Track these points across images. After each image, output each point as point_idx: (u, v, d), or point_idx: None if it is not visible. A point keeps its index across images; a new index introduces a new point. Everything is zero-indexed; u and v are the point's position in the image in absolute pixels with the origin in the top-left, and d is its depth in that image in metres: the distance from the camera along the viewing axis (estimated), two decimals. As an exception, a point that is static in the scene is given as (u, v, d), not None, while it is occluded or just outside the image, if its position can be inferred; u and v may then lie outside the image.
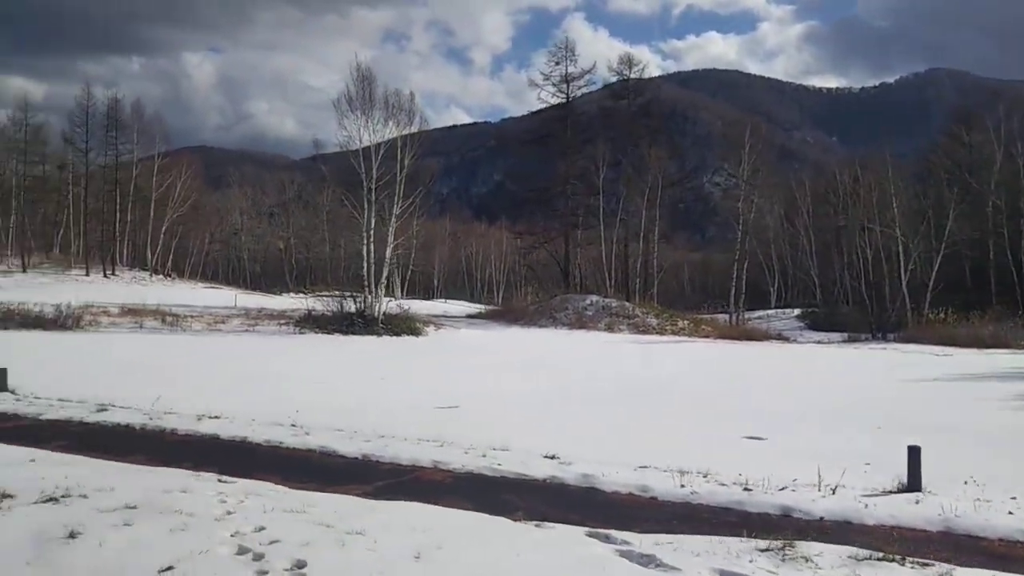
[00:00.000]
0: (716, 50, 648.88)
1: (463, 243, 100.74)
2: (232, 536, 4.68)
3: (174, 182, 68.52)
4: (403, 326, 37.25)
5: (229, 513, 5.24)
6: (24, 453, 7.70)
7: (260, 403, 12.82)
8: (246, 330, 36.67)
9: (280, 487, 6.77)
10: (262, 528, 4.86)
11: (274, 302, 52.54)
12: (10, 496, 5.22)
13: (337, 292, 43.20)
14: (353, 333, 35.50)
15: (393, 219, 38.18)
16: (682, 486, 7.51)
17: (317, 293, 50.45)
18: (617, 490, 7.49)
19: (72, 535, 4.46)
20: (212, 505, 5.50)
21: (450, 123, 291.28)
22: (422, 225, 55.88)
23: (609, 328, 41.38)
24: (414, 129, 40.52)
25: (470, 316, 51.60)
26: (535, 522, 6.14)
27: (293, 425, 10.12)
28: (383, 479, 7.75)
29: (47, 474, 6.25)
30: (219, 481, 6.73)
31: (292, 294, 62.60)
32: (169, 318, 37.84)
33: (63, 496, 5.28)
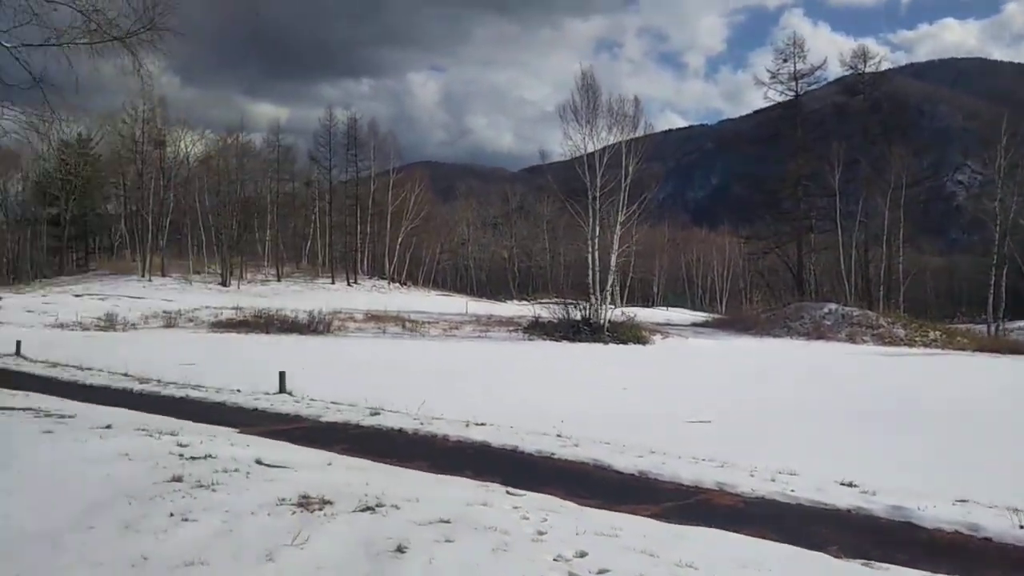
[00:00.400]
0: (953, 37, 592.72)
1: (682, 249, 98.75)
2: (556, 560, 4.41)
3: (407, 196, 72.37)
4: (629, 334, 36.84)
5: (541, 533, 5.00)
6: (318, 456, 7.98)
7: (514, 408, 12.84)
8: (479, 336, 37.80)
9: (568, 503, 6.52)
10: (584, 553, 4.55)
11: (501, 309, 53.99)
12: (329, 503, 5.27)
13: (559, 299, 43.57)
14: (579, 340, 35.55)
15: (618, 226, 37.95)
16: (1021, 527, 6.47)
17: (540, 300, 51.12)
18: (940, 527, 6.57)
19: (400, 549, 4.37)
20: (518, 522, 5.30)
21: (664, 128, 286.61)
22: (641, 232, 55.33)
23: (851, 339, 38.71)
24: (638, 134, 40.23)
25: (695, 325, 50.31)
26: (859, 560, 5.47)
27: (559, 435, 9.93)
28: (669, 500, 7.30)
29: (349, 480, 6.37)
30: (508, 494, 6.58)
31: (516, 301, 63.99)
32: (409, 324, 39.81)
33: (377, 505, 5.27)
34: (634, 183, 38.24)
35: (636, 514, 6.43)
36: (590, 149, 38.26)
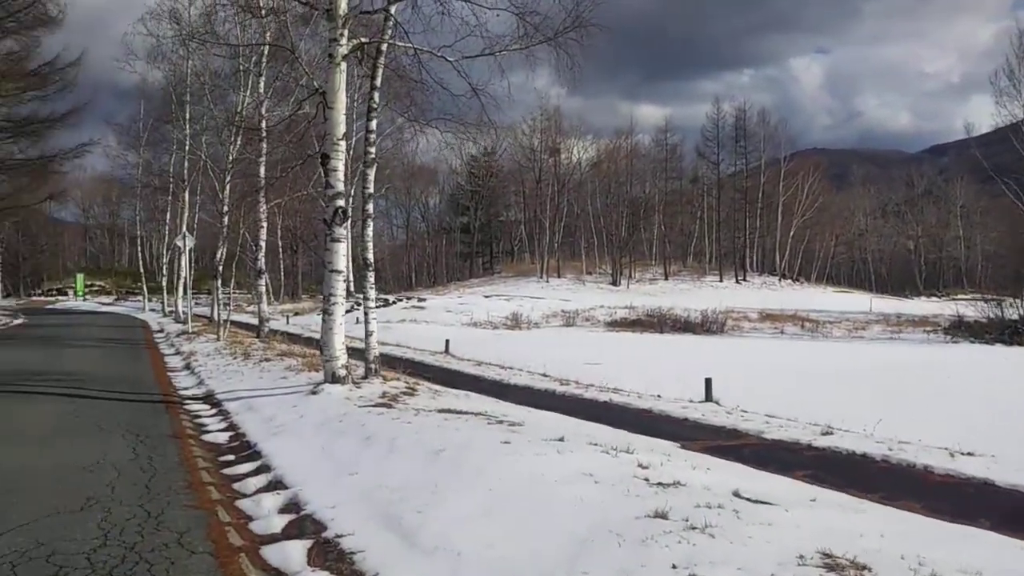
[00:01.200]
0: None
1: None
2: None
3: (799, 186, 68.77)
4: (1088, 336, 31.06)
5: None
6: (793, 487, 6.88)
7: (985, 431, 10.66)
8: (890, 337, 34.39)
9: None
10: None
11: (908, 306, 48.97)
12: (865, 568, 4.14)
13: (979, 295, 39.17)
14: (1018, 344, 30.75)
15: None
16: None
17: (955, 296, 45.93)
18: None
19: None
20: None
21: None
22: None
23: None
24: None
25: None
26: None
27: (1087, 476, 7.78)
28: None
29: (859, 528, 5.16)
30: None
31: (926, 297, 58.00)
32: (808, 324, 37.31)
33: (938, 582, 4.04)
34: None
35: None
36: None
